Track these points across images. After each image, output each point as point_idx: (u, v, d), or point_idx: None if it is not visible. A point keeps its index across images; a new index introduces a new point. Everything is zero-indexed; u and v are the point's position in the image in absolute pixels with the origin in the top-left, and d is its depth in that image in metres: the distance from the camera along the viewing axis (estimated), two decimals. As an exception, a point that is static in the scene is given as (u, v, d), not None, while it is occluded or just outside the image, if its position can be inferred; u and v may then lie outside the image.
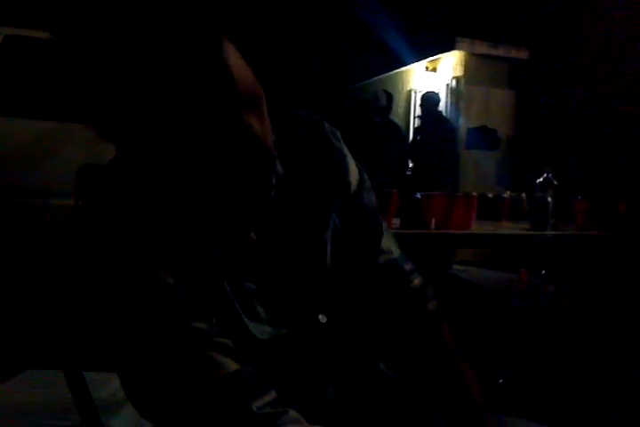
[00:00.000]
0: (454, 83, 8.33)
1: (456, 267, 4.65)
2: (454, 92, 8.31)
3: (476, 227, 2.87)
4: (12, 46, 4.55)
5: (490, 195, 3.48)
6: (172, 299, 0.76)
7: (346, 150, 1.03)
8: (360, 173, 1.04)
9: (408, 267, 1.07)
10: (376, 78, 10.06)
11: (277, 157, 0.89)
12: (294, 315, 0.89)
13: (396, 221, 2.69)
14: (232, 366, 0.75)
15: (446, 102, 8.20)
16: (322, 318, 0.91)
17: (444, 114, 7.38)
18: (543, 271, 3.79)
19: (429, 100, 6.38)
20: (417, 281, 1.07)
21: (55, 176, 4.16)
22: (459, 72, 8.29)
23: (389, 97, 6.47)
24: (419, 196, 2.73)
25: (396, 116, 8.71)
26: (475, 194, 3.07)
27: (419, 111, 7.07)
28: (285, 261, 0.90)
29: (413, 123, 8.98)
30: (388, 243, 1.06)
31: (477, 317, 3.15)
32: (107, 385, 1.67)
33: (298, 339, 0.88)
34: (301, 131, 0.99)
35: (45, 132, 4.66)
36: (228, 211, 0.84)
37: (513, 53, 8.24)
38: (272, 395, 0.76)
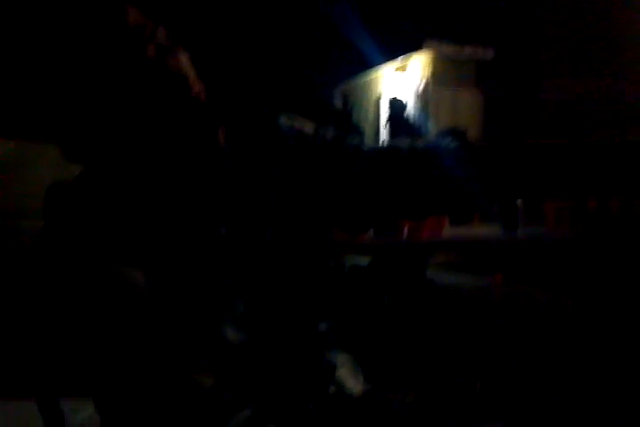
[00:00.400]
0: (422, 86, 8.36)
1: (430, 272, 4.66)
2: (422, 96, 8.34)
3: (449, 232, 2.86)
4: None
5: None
6: (144, 313, 0.75)
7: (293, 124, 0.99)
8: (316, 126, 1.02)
9: None
10: (345, 85, 10.07)
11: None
12: (277, 318, 0.87)
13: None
14: (207, 381, 0.74)
15: (414, 107, 8.23)
16: (302, 330, 0.90)
17: (411, 119, 7.41)
18: (515, 274, 3.82)
19: (396, 106, 6.42)
20: None
21: (25, 196, 4.08)
22: (427, 75, 8.33)
23: (347, 101, 6.51)
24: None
25: (366, 122, 8.72)
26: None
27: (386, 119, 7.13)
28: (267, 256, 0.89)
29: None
30: None
31: (453, 322, 3.14)
32: (80, 412, 1.63)
33: (278, 345, 0.86)
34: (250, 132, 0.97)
35: (13, 151, 4.58)
36: (195, 206, 0.83)
37: (479, 54, 8.30)
38: (247, 413, 0.75)
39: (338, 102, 6.40)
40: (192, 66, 0.81)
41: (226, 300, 0.83)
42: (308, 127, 1.00)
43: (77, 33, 0.72)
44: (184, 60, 0.78)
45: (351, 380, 0.95)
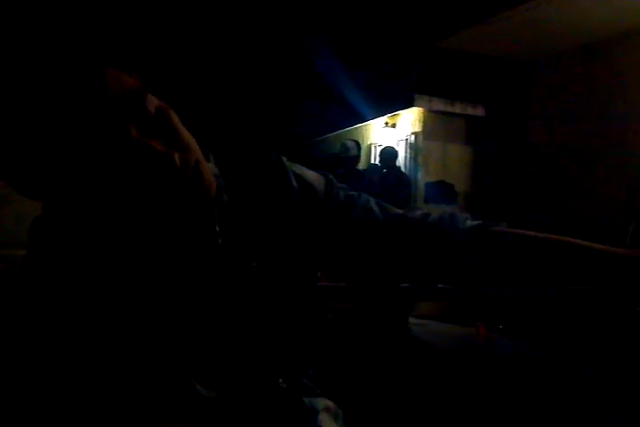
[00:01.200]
0: (413, 138, 8.50)
1: (414, 321, 4.61)
2: (413, 148, 8.47)
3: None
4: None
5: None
6: (116, 363, 0.73)
7: (295, 170, 1.01)
8: (325, 176, 1.03)
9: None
10: (335, 133, 10.22)
11: (227, 192, 0.89)
12: (253, 378, 0.85)
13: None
14: None
15: (405, 157, 8.35)
16: (282, 383, 0.87)
17: (402, 168, 7.50)
18: (500, 326, 3.78)
19: (387, 154, 6.49)
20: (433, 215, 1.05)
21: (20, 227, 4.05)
22: (417, 128, 8.48)
23: (359, 146, 6.58)
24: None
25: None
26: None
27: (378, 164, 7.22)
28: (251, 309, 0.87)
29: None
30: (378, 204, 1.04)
31: (433, 372, 3.10)
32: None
33: (253, 400, 0.83)
34: (248, 165, 0.98)
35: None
36: (173, 264, 0.81)
37: (469, 110, 8.48)
38: None
39: (351, 147, 6.42)
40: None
41: (202, 360, 0.81)
42: (309, 172, 1.01)
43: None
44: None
45: (332, 424, 0.94)
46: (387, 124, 8.96)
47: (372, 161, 8.97)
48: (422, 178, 8.24)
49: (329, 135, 10.41)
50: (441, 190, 8.05)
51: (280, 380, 0.88)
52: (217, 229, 0.85)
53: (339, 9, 7.81)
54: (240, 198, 0.92)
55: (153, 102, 0.75)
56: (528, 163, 8.19)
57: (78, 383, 0.71)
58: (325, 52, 7.78)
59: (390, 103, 8.68)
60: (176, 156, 0.74)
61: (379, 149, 8.86)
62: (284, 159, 1.01)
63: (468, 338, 3.69)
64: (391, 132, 8.86)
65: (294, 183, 0.98)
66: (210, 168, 0.86)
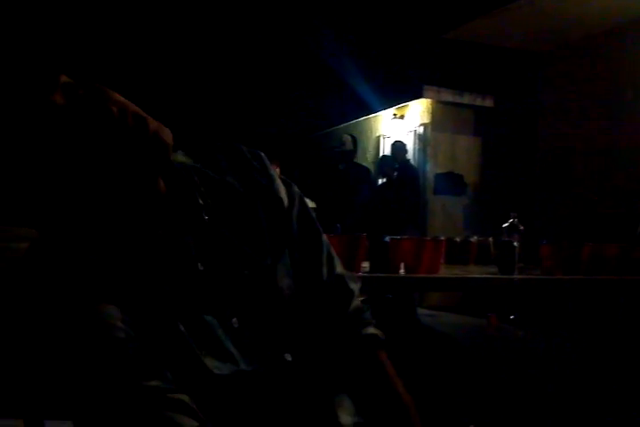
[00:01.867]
0: (421, 129, 8.48)
1: (423, 311, 4.63)
2: (421, 139, 8.45)
3: (445, 271, 2.87)
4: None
5: (457, 239, 3.50)
6: (122, 357, 0.74)
7: (272, 171, 1.03)
8: (288, 186, 1.05)
9: (353, 286, 1.06)
10: (344, 125, 10.21)
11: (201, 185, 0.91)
12: (259, 352, 0.87)
13: (365, 265, 2.68)
14: (189, 423, 0.73)
15: (414, 149, 8.34)
16: (287, 357, 0.89)
17: (411, 160, 7.51)
18: (512, 316, 3.79)
19: (398, 149, 6.59)
20: (355, 303, 1.06)
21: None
22: (426, 119, 8.46)
23: (354, 141, 6.65)
24: (387, 239, 2.73)
25: (365, 161, 8.81)
26: (443, 238, 3.08)
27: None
28: (238, 290, 0.89)
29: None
30: (328, 257, 1.05)
31: (441, 364, 3.12)
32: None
33: (261, 376, 0.86)
34: (223, 160, 1.00)
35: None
36: (165, 247, 0.84)
37: (478, 101, 8.45)
38: None
39: (347, 141, 6.50)
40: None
41: (206, 337, 0.83)
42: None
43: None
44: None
45: (346, 416, 0.96)
46: (395, 115, 8.95)
47: (381, 153, 8.96)
48: (431, 169, 8.23)
49: (338, 127, 10.40)
50: (450, 182, 8.04)
51: (285, 354, 0.90)
52: (200, 202, 0.89)
53: (347, 0, 7.79)
54: (221, 198, 0.94)
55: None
56: (537, 154, 8.17)
57: (85, 367, 0.73)
58: (334, 43, 7.77)
59: (399, 94, 8.66)
60: (114, 109, 0.74)
61: (387, 141, 8.85)
62: (262, 156, 1.04)
63: (478, 329, 3.71)
64: (400, 124, 8.84)
65: (276, 184, 1.02)
66: (178, 155, 0.91)
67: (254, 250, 0.93)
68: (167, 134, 0.77)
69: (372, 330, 1.05)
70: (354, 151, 6.69)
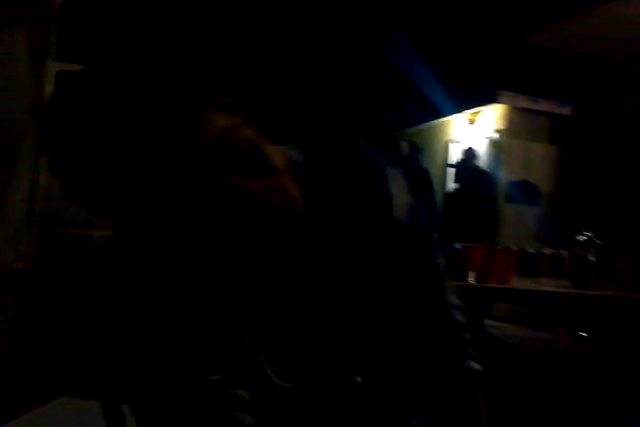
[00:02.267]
0: (496, 136, 8.31)
1: (490, 323, 4.52)
2: (496, 146, 8.27)
3: (516, 282, 2.79)
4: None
5: (530, 250, 3.40)
6: (188, 350, 0.73)
7: (391, 180, 0.98)
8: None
9: (462, 319, 1.03)
10: (415, 128, 10.12)
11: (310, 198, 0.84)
12: (328, 373, 0.84)
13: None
14: (247, 420, 0.72)
15: (486, 155, 8.17)
16: (357, 379, 0.87)
17: (483, 167, 7.39)
18: (582, 333, 3.66)
19: (470, 156, 6.56)
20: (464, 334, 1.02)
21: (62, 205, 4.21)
22: (501, 125, 8.28)
23: (413, 146, 6.69)
24: (458, 246, 2.67)
25: (434, 166, 8.70)
26: (515, 249, 2.99)
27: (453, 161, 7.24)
28: (325, 307, 0.86)
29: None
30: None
31: (510, 378, 3.04)
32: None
33: (325, 394, 0.83)
34: (338, 159, 0.95)
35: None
36: (251, 265, 0.81)
37: (555, 109, 8.22)
38: None
39: (403, 146, 6.51)
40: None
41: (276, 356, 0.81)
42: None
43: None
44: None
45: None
46: (468, 120, 8.81)
47: (450, 158, 8.85)
48: (504, 177, 8.04)
49: (409, 130, 10.32)
50: (524, 191, 7.84)
51: (355, 375, 0.87)
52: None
53: (422, 5, 7.73)
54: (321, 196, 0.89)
55: (244, 139, 0.74)
56: (618, 166, 7.86)
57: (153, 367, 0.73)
58: (408, 47, 7.73)
59: (473, 99, 8.52)
60: (274, 197, 0.73)
61: (456, 146, 8.73)
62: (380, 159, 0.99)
63: (546, 343, 3.59)
64: (471, 129, 8.70)
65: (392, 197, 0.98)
66: (292, 155, 0.87)
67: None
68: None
69: (476, 365, 0.99)
70: (412, 156, 6.69)
